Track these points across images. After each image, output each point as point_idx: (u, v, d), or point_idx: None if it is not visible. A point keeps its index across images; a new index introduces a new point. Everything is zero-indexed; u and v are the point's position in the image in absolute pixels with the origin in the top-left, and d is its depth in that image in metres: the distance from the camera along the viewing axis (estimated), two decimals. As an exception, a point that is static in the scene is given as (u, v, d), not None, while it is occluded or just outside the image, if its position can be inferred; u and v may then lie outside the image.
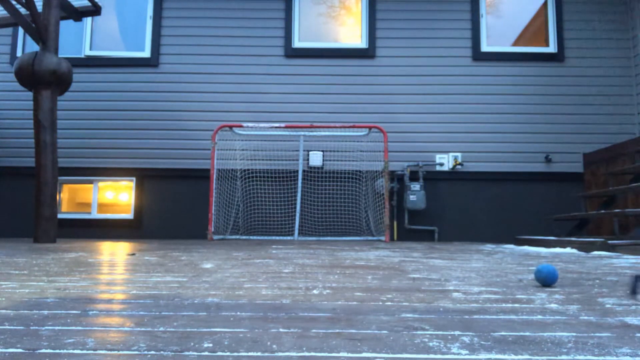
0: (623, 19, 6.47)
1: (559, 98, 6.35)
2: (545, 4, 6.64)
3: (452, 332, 0.92)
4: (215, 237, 5.83)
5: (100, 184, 6.59)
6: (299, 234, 5.92)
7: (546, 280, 1.64)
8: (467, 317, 1.08)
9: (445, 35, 6.53)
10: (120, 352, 0.77)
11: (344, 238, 5.91)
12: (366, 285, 1.63)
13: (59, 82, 4.74)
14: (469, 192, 6.26)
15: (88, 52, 6.62)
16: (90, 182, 6.51)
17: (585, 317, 1.09)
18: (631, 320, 1.06)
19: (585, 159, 6.12)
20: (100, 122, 6.42)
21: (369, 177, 6.15)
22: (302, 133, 6.13)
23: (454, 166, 6.22)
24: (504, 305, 1.25)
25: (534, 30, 6.76)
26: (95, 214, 6.47)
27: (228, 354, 0.76)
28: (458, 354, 0.78)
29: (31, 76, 4.62)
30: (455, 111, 6.36)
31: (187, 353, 0.76)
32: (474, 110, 6.35)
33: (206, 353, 0.77)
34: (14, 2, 4.94)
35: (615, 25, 6.47)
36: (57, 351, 0.77)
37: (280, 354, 0.77)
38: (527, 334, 0.92)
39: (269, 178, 6.14)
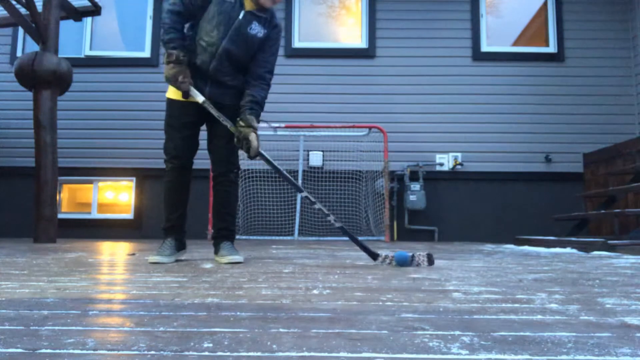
0: (623, 19, 6.47)
1: (559, 98, 6.35)
2: (545, 4, 6.64)
3: (452, 332, 0.92)
4: (215, 237, 5.82)
5: (100, 184, 6.59)
6: (299, 234, 5.92)
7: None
8: (467, 317, 1.08)
9: (445, 35, 6.52)
10: (120, 352, 0.77)
11: (344, 238, 5.91)
12: (366, 285, 1.63)
13: (59, 82, 4.74)
14: (469, 192, 6.26)
15: (88, 52, 6.62)
16: (90, 182, 6.51)
17: (585, 317, 1.09)
18: (631, 320, 1.06)
19: (585, 159, 6.12)
20: (100, 122, 6.41)
21: (369, 177, 6.15)
22: (302, 133, 6.13)
23: (454, 166, 6.22)
24: (504, 305, 1.25)
25: (534, 30, 6.76)
26: (95, 214, 6.47)
27: (228, 354, 0.76)
28: (458, 354, 0.78)
29: (31, 76, 4.62)
30: (455, 111, 6.36)
31: (187, 353, 0.76)
32: (474, 110, 6.35)
33: (206, 353, 0.77)
34: (14, 2, 4.93)
35: (615, 25, 6.47)
36: (57, 351, 0.77)
37: (280, 354, 0.77)
38: (527, 334, 0.92)
39: (269, 178, 6.14)
